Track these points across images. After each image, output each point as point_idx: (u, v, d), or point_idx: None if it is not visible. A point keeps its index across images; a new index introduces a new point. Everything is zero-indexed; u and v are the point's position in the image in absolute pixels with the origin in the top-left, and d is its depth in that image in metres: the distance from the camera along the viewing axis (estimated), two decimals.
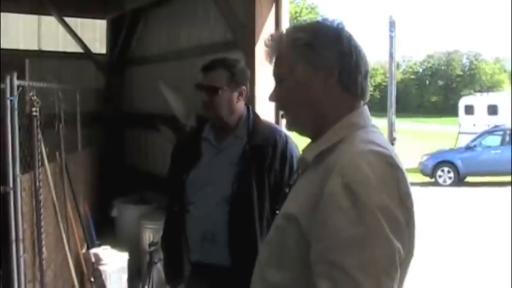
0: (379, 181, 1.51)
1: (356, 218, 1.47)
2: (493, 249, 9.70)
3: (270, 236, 1.80)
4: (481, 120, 24.40)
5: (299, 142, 3.12)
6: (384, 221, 1.48)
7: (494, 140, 19.20)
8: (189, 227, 3.09)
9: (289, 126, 1.84)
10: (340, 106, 1.73)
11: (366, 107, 1.79)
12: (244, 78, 3.16)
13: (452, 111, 42.36)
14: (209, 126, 3.18)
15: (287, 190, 1.93)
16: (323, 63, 1.71)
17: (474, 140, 19.42)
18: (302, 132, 1.83)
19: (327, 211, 1.52)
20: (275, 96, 1.82)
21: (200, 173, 3.07)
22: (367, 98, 1.79)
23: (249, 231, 2.94)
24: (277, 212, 1.84)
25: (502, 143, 18.87)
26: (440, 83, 73.43)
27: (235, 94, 3.09)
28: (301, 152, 1.86)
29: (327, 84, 1.72)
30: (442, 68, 75.08)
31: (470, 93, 38.65)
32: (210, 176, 3.04)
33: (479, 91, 47.37)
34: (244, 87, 3.13)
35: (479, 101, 26.71)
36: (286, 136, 3.10)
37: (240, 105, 3.14)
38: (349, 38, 1.74)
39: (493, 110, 25.23)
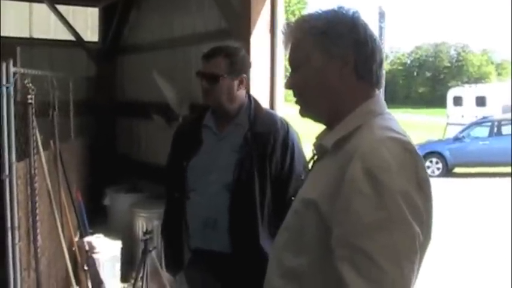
0: (399, 167, 1.55)
1: (377, 202, 1.51)
2: (482, 239, 9.78)
3: (288, 221, 1.82)
4: (470, 112, 24.56)
5: (300, 130, 3.13)
6: (405, 206, 1.52)
7: (482, 131, 19.31)
8: (190, 214, 3.08)
9: (303, 113, 1.86)
10: (355, 94, 1.76)
11: (381, 95, 1.82)
12: (245, 67, 3.15)
13: (440, 103, 42.51)
14: (210, 113, 3.17)
15: (302, 177, 1.95)
16: (339, 51, 1.74)
17: (462, 131, 19.53)
18: (316, 119, 1.86)
19: (348, 196, 1.55)
20: (290, 83, 1.84)
21: (201, 160, 3.07)
22: (382, 86, 1.83)
23: (250, 218, 2.94)
24: (293, 198, 1.87)
25: (490, 134, 18.98)
26: (428, 74, 73.58)
27: (236, 82, 3.08)
28: (315, 139, 1.88)
29: (342, 73, 1.74)
30: (430, 59, 75.18)
31: (458, 85, 38.83)
32: (211, 163, 3.04)
33: (467, 82, 47.58)
34: (245, 75, 3.12)
35: (467, 92, 26.87)
36: (287, 124, 3.10)
37: (241, 94, 3.13)
38: (365, 27, 1.77)
39: (481, 101, 25.39)
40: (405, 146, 1.62)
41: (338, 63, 1.74)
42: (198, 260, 3.12)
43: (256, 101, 3.20)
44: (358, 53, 1.74)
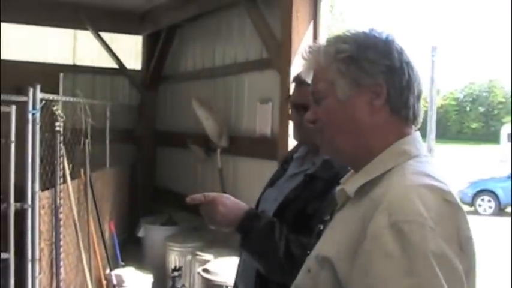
0: (436, 222, 1.26)
1: (406, 266, 1.22)
2: None
3: (300, 280, 1.53)
4: None
5: None
6: (441, 272, 1.22)
7: None
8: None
9: (326, 152, 1.60)
10: (388, 131, 1.48)
11: (418, 133, 1.52)
12: None
13: (493, 139, 41.66)
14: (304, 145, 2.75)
15: (321, 227, 1.66)
16: (369, 80, 1.46)
17: None
18: (340, 159, 1.61)
19: (370, 256, 1.27)
20: (312, 117, 1.56)
21: (270, 193, 2.69)
22: (420, 122, 1.53)
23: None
24: (308, 252, 1.57)
25: None
26: (481, 109, 72.40)
27: None
28: (340, 184, 1.59)
29: (373, 106, 1.46)
30: (484, 94, 73.97)
31: None
32: (272, 199, 2.62)
33: None
34: None
35: None
36: None
37: None
38: (401, 53, 1.49)
39: None
40: (445, 196, 1.32)
41: (367, 94, 1.47)
42: None
43: None
44: (392, 83, 1.46)
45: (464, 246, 1.30)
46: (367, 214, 1.34)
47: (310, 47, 1.61)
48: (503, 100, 71.36)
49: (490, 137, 51.37)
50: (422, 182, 1.34)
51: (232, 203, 2.38)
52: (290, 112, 2.66)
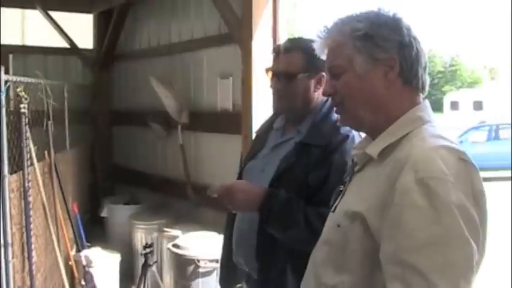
0: (455, 178, 1.45)
1: (432, 216, 1.41)
2: None
3: (328, 235, 1.71)
4: (467, 116, 24.48)
5: None
6: (462, 220, 1.42)
7: (480, 136, 19.17)
8: (235, 226, 2.72)
9: (345, 121, 1.77)
10: (402, 101, 1.67)
11: (427, 101, 1.73)
12: (323, 63, 2.68)
13: (434, 107, 42.33)
14: (282, 115, 2.79)
15: (341, 187, 1.79)
16: (384, 55, 1.64)
17: (460, 136, 19.37)
18: (358, 128, 1.80)
19: (399, 209, 1.46)
20: (330, 90, 1.73)
21: (254, 165, 2.73)
22: (427, 91, 1.74)
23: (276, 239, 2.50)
24: (332, 210, 1.75)
25: (488, 138, 18.86)
26: None
27: (313, 82, 2.62)
28: (354, 149, 1.79)
29: (388, 78, 1.65)
30: None
31: (452, 90, 38.89)
32: (259, 171, 2.66)
33: (461, 87, 47.60)
34: (323, 73, 2.56)
35: (464, 96, 26.87)
36: (347, 138, 2.50)
37: (318, 95, 2.64)
38: (409, 29, 1.68)
39: (478, 105, 25.35)
40: (460, 156, 1.51)
41: (382, 68, 1.65)
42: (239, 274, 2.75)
43: (329, 109, 2.62)
44: (404, 57, 1.65)
45: (478, 200, 1.49)
46: (393, 173, 1.51)
47: (325, 26, 1.75)
48: (443, 69, 72.86)
49: (432, 106, 52.13)
50: (440, 143, 1.53)
51: (248, 187, 2.49)
52: (271, 82, 2.70)
